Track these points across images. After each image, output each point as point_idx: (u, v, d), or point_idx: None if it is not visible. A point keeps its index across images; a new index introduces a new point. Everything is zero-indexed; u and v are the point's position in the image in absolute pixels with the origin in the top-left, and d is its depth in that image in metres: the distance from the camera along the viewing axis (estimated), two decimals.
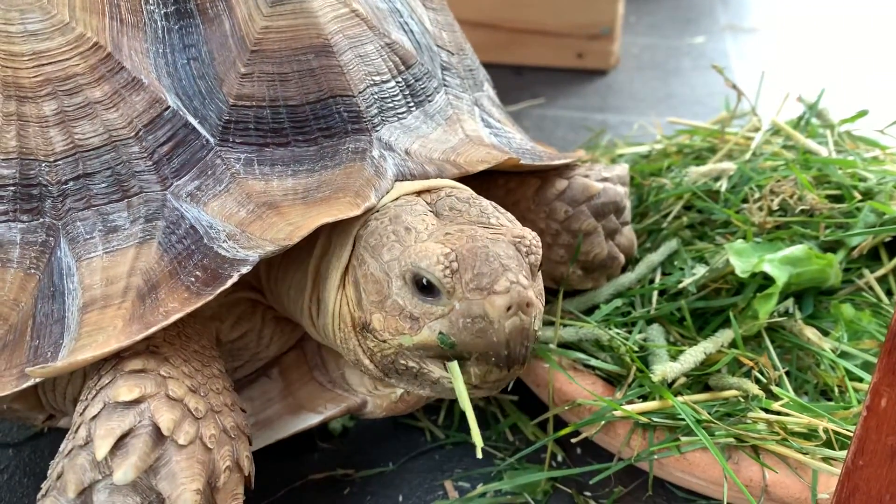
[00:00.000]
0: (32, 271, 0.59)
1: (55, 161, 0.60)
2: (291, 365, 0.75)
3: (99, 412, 0.52)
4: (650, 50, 2.18)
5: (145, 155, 0.60)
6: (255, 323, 0.72)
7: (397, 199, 0.64)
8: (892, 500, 0.49)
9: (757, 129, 1.13)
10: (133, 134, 0.60)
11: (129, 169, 0.60)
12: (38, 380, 0.55)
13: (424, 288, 0.57)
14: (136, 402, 0.52)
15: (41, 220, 0.60)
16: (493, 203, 0.64)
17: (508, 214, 0.64)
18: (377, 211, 0.63)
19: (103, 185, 0.60)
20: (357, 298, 0.62)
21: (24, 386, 0.55)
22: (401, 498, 0.81)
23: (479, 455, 0.57)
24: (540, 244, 0.60)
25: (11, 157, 0.60)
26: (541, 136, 1.68)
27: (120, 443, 0.51)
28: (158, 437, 0.52)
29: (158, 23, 0.62)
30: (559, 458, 0.84)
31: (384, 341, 0.60)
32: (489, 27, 1.93)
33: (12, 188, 0.60)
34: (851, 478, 0.51)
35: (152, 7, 0.62)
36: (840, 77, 1.97)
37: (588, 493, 0.80)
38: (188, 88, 0.62)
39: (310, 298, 0.67)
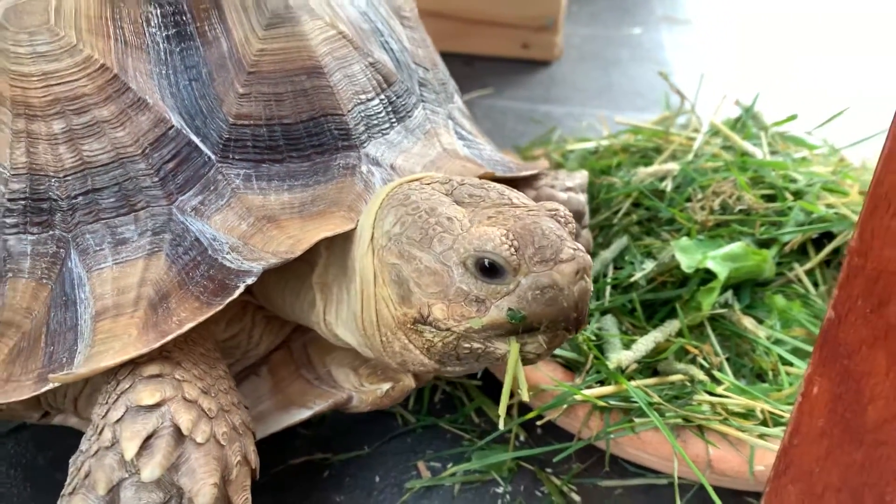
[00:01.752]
0: (45, 281, 0.63)
1: (65, 177, 0.63)
2: (279, 363, 0.80)
3: (123, 416, 0.56)
4: (591, 40, 2.27)
5: (152, 171, 0.64)
6: (245, 323, 0.76)
7: (409, 186, 0.66)
8: (821, 473, 0.58)
9: (697, 130, 1.22)
10: (140, 152, 0.64)
11: (136, 184, 0.64)
12: (57, 384, 0.59)
13: (488, 270, 0.59)
14: (157, 405, 0.57)
15: (51, 232, 0.64)
16: (503, 185, 0.67)
17: (520, 193, 0.66)
18: (388, 207, 0.65)
19: (111, 199, 0.63)
20: (400, 296, 0.63)
21: (44, 390, 0.59)
22: (377, 479, 0.87)
23: (502, 427, 0.61)
24: (570, 214, 0.64)
25: (21, 172, 0.63)
26: (492, 128, 1.74)
27: (145, 443, 0.55)
28: (179, 436, 0.57)
29: (161, 45, 0.66)
30: (522, 438, 0.92)
31: (448, 329, 0.61)
32: (440, 16, 1.98)
33: (22, 202, 0.63)
34: (787, 454, 0.59)
35: (154, 30, 0.66)
36: (770, 67, 2.09)
37: (549, 470, 0.88)
38: (190, 108, 0.66)
39: (324, 311, 0.70)
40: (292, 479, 0.86)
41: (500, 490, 0.85)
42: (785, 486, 0.60)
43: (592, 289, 0.62)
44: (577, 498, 0.84)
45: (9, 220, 0.64)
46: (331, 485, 0.86)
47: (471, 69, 2.02)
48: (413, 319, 0.63)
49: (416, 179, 0.67)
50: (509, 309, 0.59)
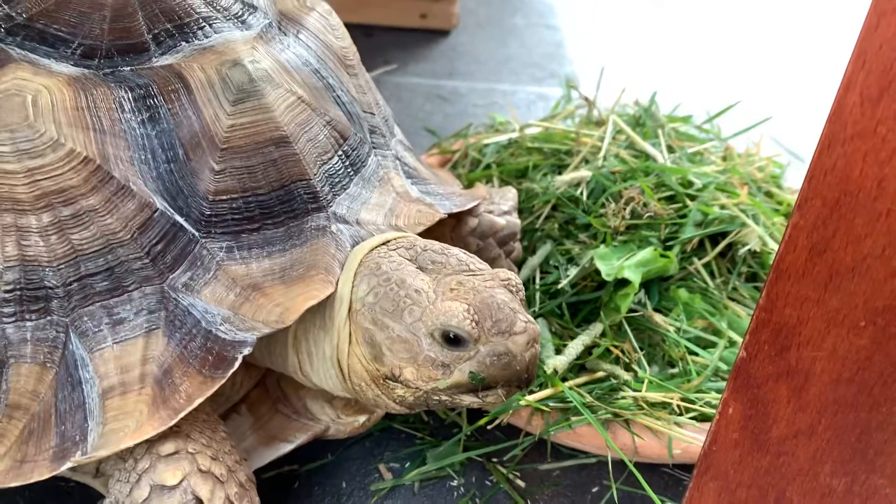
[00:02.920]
0: (49, 365, 0.66)
1: (58, 266, 0.66)
2: (256, 401, 0.86)
3: (149, 495, 0.63)
4: (485, 6, 2.33)
5: (142, 254, 0.68)
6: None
7: (378, 254, 0.74)
8: (735, 474, 0.71)
9: (599, 124, 1.34)
10: (129, 236, 0.67)
11: (127, 267, 0.67)
12: (73, 465, 0.64)
13: (452, 341, 0.67)
14: (179, 483, 0.63)
15: (49, 318, 0.67)
16: (460, 249, 0.76)
17: (476, 257, 0.75)
18: (361, 275, 0.73)
19: (105, 283, 0.67)
20: (373, 355, 0.70)
21: (62, 470, 0.64)
22: (344, 484, 0.96)
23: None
24: (521, 283, 0.74)
25: (13, 264, 0.65)
26: (400, 107, 1.79)
27: None
28: None
29: (137, 130, 0.68)
30: (468, 434, 1.03)
31: (417, 388, 0.70)
32: None
33: (18, 292, 0.66)
34: (707, 458, 0.73)
35: (129, 115, 0.68)
36: (658, 37, 2.23)
37: (496, 460, 1.00)
38: (172, 189, 0.69)
39: (300, 363, 0.77)
40: (266, 493, 0.94)
41: (455, 483, 0.96)
42: (706, 483, 0.74)
43: (540, 351, 0.73)
44: (521, 483, 0.96)
45: (6, 310, 0.66)
46: (303, 494, 0.94)
47: (371, 41, 2.05)
48: (384, 376, 0.71)
49: (385, 243, 0.74)
50: (470, 371, 0.68)
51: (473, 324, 0.67)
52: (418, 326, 0.68)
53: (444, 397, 0.71)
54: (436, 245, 0.75)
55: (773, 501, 0.70)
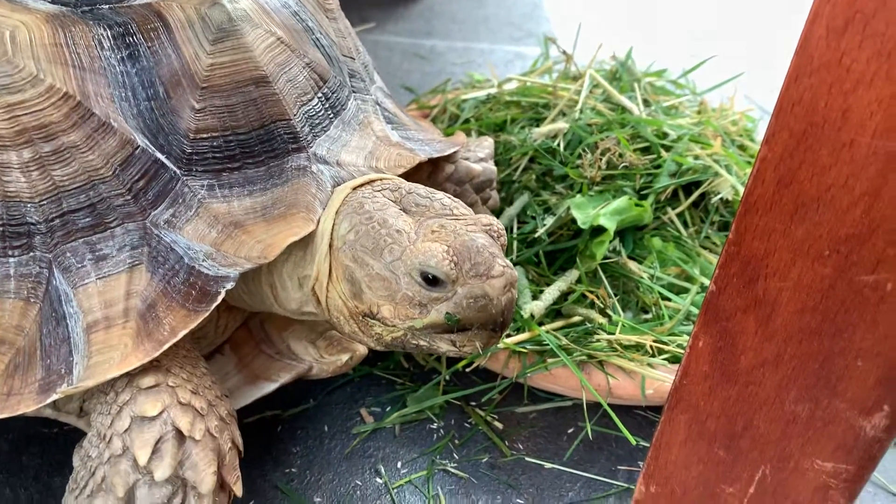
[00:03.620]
0: (33, 300, 0.67)
1: (39, 202, 0.66)
2: (240, 342, 0.87)
3: (129, 426, 0.64)
4: None
5: (124, 190, 0.68)
6: (212, 315, 0.83)
7: (362, 193, 0.74)
8: (704, 405, 0.74)
9: (576, 79, 1.35)
10: (111, 173, 0.68)
11: (109, 203, 0.68)
12: (59, 396, 0.65)
13: (430, 281, 0.68)
14: (159, 413, 0.65)
15: (32, 253, 0.67)
16: (445, 194, 0.76)
17: (460, 202, 0.76)
18: (343, 213, 0.73)
19: (88, 219, 0.68)
20: (353, 293, 0.72)
21: (49, 401, 0.65)
22: (326, 428, 0.98)
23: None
24: (503, 227, 0.75)
25: None
26: (378, 65, 1.78)
27: (153, 448, 0.63)
28: (180, 438, 0.65)
29: (116, 68, 0.68)
30: (447, 378, 1.05)
31: (394, 326, 0.71)
32: None
33: (0, 227, 0.66)
34: (678, 391, 0.75)
35: (108, 53, 0.68)
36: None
37: (474, 403, 1.02)
38: (152, 127, 0.70)
39: (276, 297, 0.79)
40: (250, 436, 0.95)
41: (434, 426, 0.99)
42: (677, 415, 0.76)
43: (517, 298, 0.74)
44: (499, 425, 0.99)
45: None
46: (286, 437, 0.96)
47: None
48: (363, 313, 0.73)
49: (369, 182, 0.75)
50: (447, 312, 0.70)
51: (452, 265, 0.68)
52: (397, 265, 0.70)
53: (421, 341, 0.72)
54: (421, 189, 0.76)
55: (740, 430, 0.73)
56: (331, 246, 0.74)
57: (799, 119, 0.58)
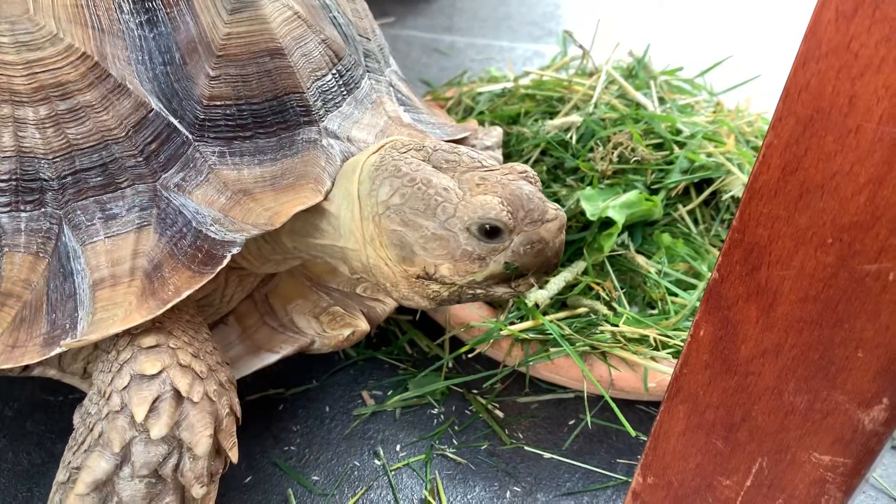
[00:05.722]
0: (42, 255, 0.68)
1: (53, 159, 0.68)
2: (244, 313, 0.88)
3: (128, 383, 0.65)
4: None
5: (136, 152, 0.69)
6: (218, 283, 0.84)
7: (392, 156, 0.74)
8: (704, 395, 0.74)
9: (593, 74, 1.35)
10: (124, 134, 0.69)
11: (121, 164, 0.69)
12: (63, 349, 0.66)
13: (489, 233, 0.68)
14: (158, 373, 0.65)
15: (43, 209, 0.69)
16: (468, 148, 0.76)
17: (484, 155, 0.76)
18: (379, 178, 0.73)
19: (99, 178, 0.69)
20: (401, 257, 0.71)
21: (52, 354, 0.66)
22: (327, 409, 0.99)
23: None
24: (535, 173, 0.75)
25: (9, 154, 0.67)
26: (396, 59, 1.79)
27: (151, 406, 0.64)
28: (178, 398, 0.66)
29: (135, 31, 0.70)
30: (450, 365, 1.05)
31: (453, 283, 0.71)
32: None
33: (14, 182, 0.68)
34: (678, 381, 0.75)
35: (127, 17, 0.69)
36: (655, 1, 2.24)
37: (475, 391, 1.02)
38: (167, 91, 0.71)
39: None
40: (252, 414, 0.96)
41: (435, 411, 0.99)
42: (676, 406, 0.76)
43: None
44: (500, 413, 0.99)
45: (1, 199, 0.68)
46: (287, 416, 0.97)
47: None
48: (416, 276, 0.73)
49: (386, 145, 0.76)
50: (505, 262, 0.70)
51: (509, 215, 0.69)
52: (454, 223, 0.69)
53: (478, 290, 0.73)
54: (444, 145, 0.76)
55: (738, 421, 0.73)
56: (368, 216, 0.73)
57: (806, 104, 0.58)
